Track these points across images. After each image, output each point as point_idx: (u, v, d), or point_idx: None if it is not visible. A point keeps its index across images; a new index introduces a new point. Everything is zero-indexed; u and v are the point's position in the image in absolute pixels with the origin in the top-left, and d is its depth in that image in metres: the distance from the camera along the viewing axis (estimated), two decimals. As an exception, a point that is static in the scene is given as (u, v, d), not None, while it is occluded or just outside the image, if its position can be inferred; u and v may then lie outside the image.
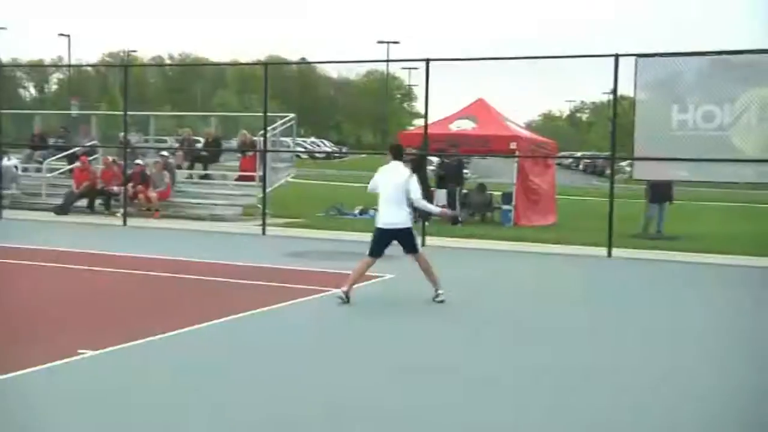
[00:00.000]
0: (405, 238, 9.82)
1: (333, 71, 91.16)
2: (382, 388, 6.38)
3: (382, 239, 9.81)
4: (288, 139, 22.36)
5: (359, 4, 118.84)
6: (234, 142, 23.05)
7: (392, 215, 9.75)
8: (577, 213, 23.12)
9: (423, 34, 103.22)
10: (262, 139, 19.06)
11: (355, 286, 9.67)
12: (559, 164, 39.62)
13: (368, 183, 10.23)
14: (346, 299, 9.48)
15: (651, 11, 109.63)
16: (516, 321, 9.12)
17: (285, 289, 10.40)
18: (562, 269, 13.80)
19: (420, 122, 21.03)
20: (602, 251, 14.68)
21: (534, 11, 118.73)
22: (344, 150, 65.43)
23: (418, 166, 15.39)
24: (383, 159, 10.43)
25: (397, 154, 10.07)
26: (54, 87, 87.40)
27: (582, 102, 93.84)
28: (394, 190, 9.75)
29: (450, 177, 20.83)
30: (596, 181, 46.92)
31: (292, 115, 21.17)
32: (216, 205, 20.15)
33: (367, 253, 9.89)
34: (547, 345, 7.92)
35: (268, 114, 18.28)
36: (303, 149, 48.97)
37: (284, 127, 20.73)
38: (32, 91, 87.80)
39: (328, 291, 10.21)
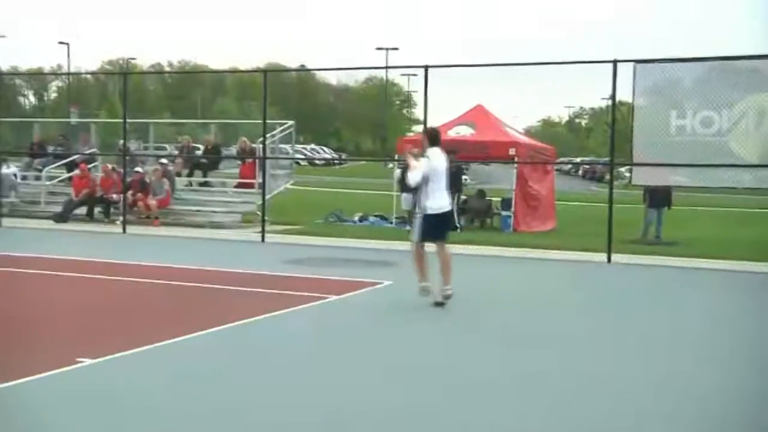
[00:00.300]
0: (447, 222, 10.16)
1: (332, 78, 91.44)
2: (383, 392, 6.38)
3: (434, 224, 9.91)
4: (287, 146, 22.40)
5: (358, 10, 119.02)
6: (233, 150, 23.10)
7: (444, 200, 9.98)
8: (577, 219, 23.14)
9: (422, 40, 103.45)
10: (261, 146, 19.09)
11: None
12: (558, 170, 39.67)
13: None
14: (429, 291, 9.78)
15: (651, 12, 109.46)
16: (515, 326, 9.12)
17: (285, 296, 10.40)
18: (562, 275, 13.80)
19: (419, 128, 21.03)
20: (602, 257, 14.69)
21: (533, 12, 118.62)
22: (343, 156, 65.52)
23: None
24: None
25: (436, 140, 10.20)
26: (53, 95, 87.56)
27: (581, 108, 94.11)
28: (443, 175, 9.99)
29: (449, 183, 20.83)
30: (595, 187, 46.99)
31: (291, 122, 21.22)
32: (215, 212, 20.17)
33: (416, 240, 10.01)
34: (546, 350, 7.91)
35: (268, 121, 18.32)
36: (302, 156, 49.03)
37: (283, 134, 20.76)
38: (32, 99, 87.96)
39: (328, 298, 10.22)
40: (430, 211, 9.90)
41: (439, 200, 9.91)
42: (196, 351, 7.60)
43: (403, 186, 19.80)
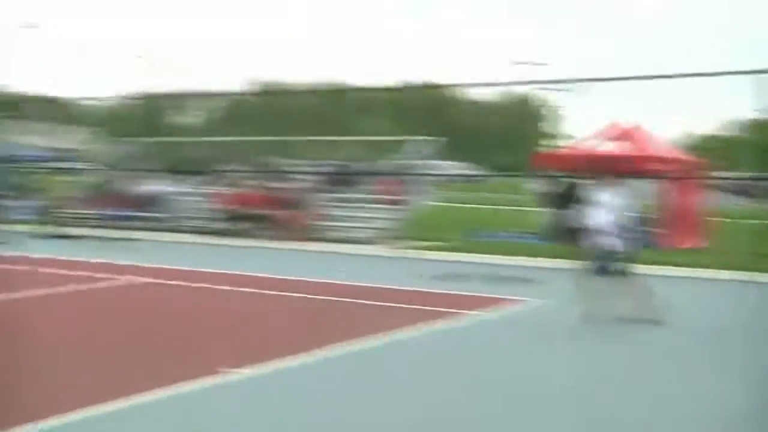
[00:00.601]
0: (619, 260, 10.07)
1: (473, 94, 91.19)
2: (519, 413, 6.32)
3: (608, 264, 9.98)
4: (429, 162, 22.48)
5: (495, 24, 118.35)
6: (375, 166, 23.37)
7: (618, 240, 10.02)
8: (728, 235, 22.18)
9: (567, 53, 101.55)
10: (402, 162, 19.26)
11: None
12: (709, 185, 38.20)
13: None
14: (590, 317, 9.76)
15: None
16: (659, 345, 8.85)
17: (426, 311, 10.43)
18: (711, 294, 13.29)
19: (562, 143, 20.72)
20: (755, 276, 14.03)
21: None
22: (485, 172, 65.25)
23: (572, 190, 15.22)
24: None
25: (615, 175, 10.61)
26: (204, 114, 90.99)
27: (733, 120, 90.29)
28: (621, 212, 10.17)
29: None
30: (749, 203, 44.98)
31: (432, 138, 21.31)
32: (357, 227, 20.44)
33: (593, 274, 10.00)
34: (691, 372, 7.66)
35: (407, 137, 18.48)
36: (443, 172, 49.08)
37: (424, 150, 20.88)
38: (184, 119, 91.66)
39: (470, 314, 10.20)
40: (605, 248, 9.93)
41: (613, 239, 9.93)
42: (338, 366, 7.72)
43: (553, 202, 19.58)
